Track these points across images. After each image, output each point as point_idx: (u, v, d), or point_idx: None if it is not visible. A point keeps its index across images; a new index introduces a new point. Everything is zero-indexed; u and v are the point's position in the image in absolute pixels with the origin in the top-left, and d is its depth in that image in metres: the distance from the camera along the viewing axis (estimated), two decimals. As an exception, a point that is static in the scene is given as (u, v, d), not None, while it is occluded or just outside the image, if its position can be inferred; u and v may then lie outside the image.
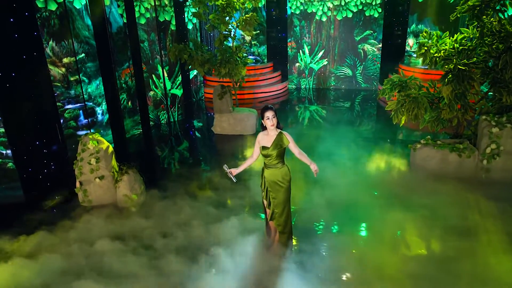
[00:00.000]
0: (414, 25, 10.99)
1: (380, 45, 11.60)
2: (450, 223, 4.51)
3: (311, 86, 12.78)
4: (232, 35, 7.68)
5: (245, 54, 7.53)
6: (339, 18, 11.62)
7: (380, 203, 5.06)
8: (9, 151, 5.19)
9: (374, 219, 4.73)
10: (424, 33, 5.71)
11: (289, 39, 12.26)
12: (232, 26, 7.57)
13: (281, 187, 3.84)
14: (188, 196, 5.21)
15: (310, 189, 5.45)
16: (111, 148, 5.06)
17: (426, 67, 10.24)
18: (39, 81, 5.82)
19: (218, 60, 7.55)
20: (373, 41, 11.65)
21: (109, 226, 4.42)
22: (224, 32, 7.55)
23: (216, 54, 7.73)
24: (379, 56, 11.72)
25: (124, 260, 3.87)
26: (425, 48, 5.60)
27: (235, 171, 3.87)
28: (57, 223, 4.62)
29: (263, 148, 3.73)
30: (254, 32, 12.42)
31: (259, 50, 12.39)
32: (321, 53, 12.19)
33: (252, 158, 3.94)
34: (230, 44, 7.76)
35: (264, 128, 3.76)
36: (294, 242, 4.22)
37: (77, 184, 4.97)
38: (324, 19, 11.75)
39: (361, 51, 11.84)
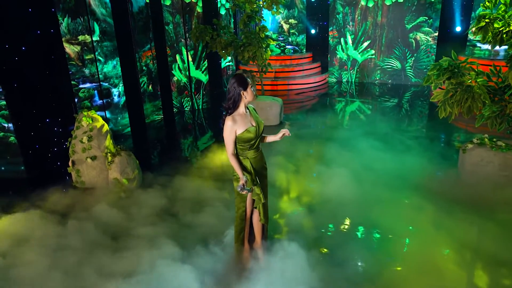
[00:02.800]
0: (480, 9, 9.37)
1: (436, 34, 10.13)
2: (505, 250, 3.38)
3: (353, 80, 11.65)
4: (258, 15, 7.02)
5: (268, 33, 6.80)
6: (388, 3, 10.36)
7: (414, 212, 4.06)
8: (10, 125, 5.07)
9: (404, 234, 3.77)
10: (486, 2, 4.53)
11: (331, 28, 11.27)
12: (258, 6, 6.91)
13: (266, 169, 3.22)
14: (185, 187, 4.65)
15: (336, 185, 4.62)
16: (106, 127, 4.70)
17: (494, 57, 8.70)
18: (54, 58, 5.70)
19: (241, 43, 6.94)
20: (427, 29, 10.21)
21: (80, 212, 4.00)
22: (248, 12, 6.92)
23: (241, 37, 7.13)
24: (434, 46, 10.24)
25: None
26: (486, 20, 4.43)
27: (242, 180, 2.95)
28: (32, 203, 4.30)
29: (250, 131, 2.93)
30: (293, 21, 11.73)
31: (297, 40, 11.57)
32: (366, 44, 11.02)
33: (235, 154, 3.01)
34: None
35: (234, 109, 2.91)
36: (324, 250, 3.51)
37: (70, 163, 4.68)
38: (370, 4, 10.57)
39: (413, 40, 10.46)
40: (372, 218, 4.01)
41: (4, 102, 4.96)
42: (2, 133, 5.09)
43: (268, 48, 6.88)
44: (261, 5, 6.90)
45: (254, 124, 2.98)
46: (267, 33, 7.13)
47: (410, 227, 3.87)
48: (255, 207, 3.21)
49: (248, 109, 3.02)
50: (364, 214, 4.09)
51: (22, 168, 5.24)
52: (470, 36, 9.73)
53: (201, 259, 3.30)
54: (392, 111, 8.67)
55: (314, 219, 4.01)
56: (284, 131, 3.08)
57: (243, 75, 2.92)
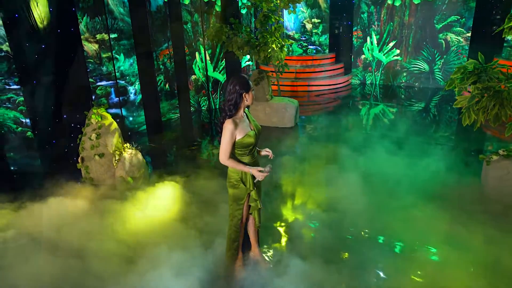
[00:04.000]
0: (518, 8, 8.71)
1: (469, 34, 9.51)
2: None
3: (377, 82, 11.21)
4: (276, 15, 6.87)
5: (286, 31, 6.63)
6: (416, 1, 9.86)
7: (428, 225, 3.78)
8: (27, 120, 5.24)
9: (415, 247, 3.52)
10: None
11: (355, 28, 10.90)
12: (275, 5, 6.76)
13: None
14: (192, 188, 4.57)
15: (345, 191, 4.39)
16: (114, 125, 4.74)
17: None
18: (73, 56, 5.84)
19: (257, 43, 6.82)
20: (459, 29, 9.62)
21: (78, 209, 4.01)
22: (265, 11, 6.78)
23: (257, 36, 7.02)
24: (467, 47, 9.63)
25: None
26: (518, 19, 4.05)
27: (255, 169, 2.80)
28: (34, 198, 4.33)
29: (251, 135, 2.78)
30: (317, 20, 11.45)
31: (320, 39, 11.29)
32: (391, 44, 10.56)
33: (230, 157, 2.83)
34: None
35: (235, 111, 2.75)
36: (326, 261, 3.31)
37: (79, 160, 4.76)
38: (397, 3, 10.11)
39: (443, 41, 9.90)
40: (381, 229, 3.78)
41: (22, 98, 5.13)
42: (20, 128, 5.28)
43: (283, 48, 6.72)
44: (278, 4, 6.75)
45: (252, 128, 2.86)
46: (288, 33, 6.97)
47: (422, 241, 3.59)
48: (250, 213, 3.09)
49: (245, 112, 2.90)
50: (372, 224, 3.85)
51: (39, 162, 5.41)
52: (508, 37, 9.05)
53: (195, 266, 3.20)
54: (418, 116, 8.22)
55: (316, 227, 3.82)
56: (268, 152, 3.02)
57: (245, 77, 2.80)
